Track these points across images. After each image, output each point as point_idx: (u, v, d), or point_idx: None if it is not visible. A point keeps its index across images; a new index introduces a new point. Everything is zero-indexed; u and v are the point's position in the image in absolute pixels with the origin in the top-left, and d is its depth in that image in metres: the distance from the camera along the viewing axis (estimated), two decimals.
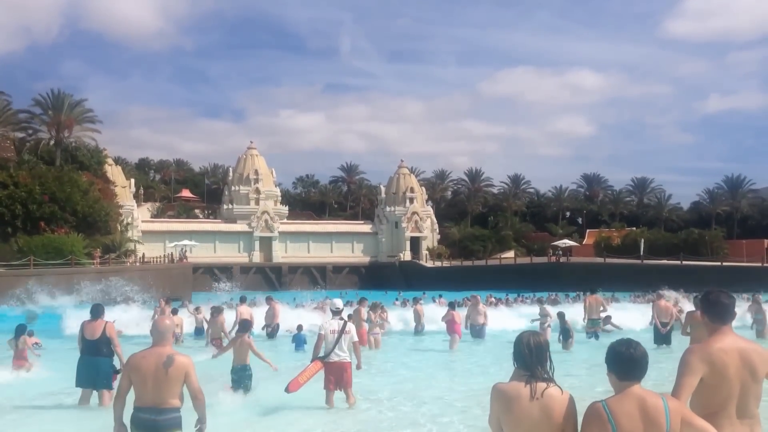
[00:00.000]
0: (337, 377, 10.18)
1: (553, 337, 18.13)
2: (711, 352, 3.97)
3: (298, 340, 18.59)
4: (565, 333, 18.45)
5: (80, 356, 11.06)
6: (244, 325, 12.17)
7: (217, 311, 17.60)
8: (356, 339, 10.50)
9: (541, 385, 3.77)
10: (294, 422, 9.69)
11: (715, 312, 4.14)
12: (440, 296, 34.70)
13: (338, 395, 10.45)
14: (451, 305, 20.25)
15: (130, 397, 5.95)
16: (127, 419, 5.91)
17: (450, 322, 19.46)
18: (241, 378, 11.27)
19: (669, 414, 3.50)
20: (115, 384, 10.60)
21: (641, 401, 3.53)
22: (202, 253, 69.71)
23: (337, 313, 10.56)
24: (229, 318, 18.33)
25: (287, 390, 10.14)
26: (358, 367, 10.61)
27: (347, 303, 20.88)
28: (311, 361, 10.39)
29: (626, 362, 3.62)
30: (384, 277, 71.08)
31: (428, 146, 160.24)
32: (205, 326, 19.95)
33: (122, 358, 10.58)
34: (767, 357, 4.06)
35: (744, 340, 4.13)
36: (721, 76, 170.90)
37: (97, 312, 11.18)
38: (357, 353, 10.55)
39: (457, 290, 40.80)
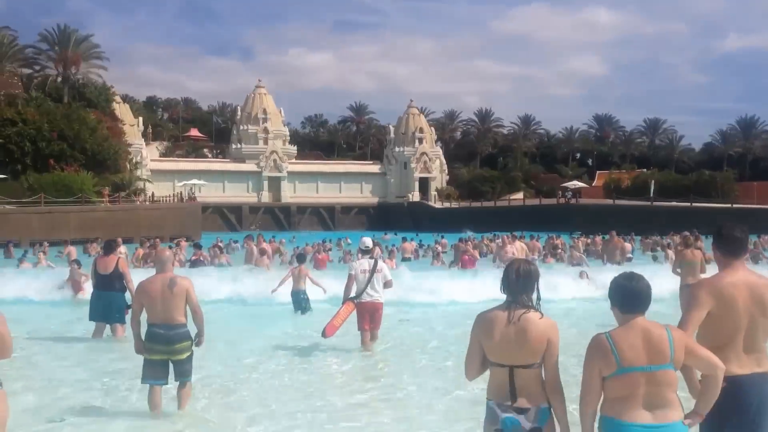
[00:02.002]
0: (370, 316, 10.03)
1: None
2: (720, 285, 3.94)
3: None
4: None
5: (93, 290, 11.26)
6: (301, 258, 14.63)
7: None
8: (389, 278, 10.26)
9: (521, 310, 3.80)
10: (328, 366, 9.62)
11: (727, 246, 4.07)
12: (442, 237, 34.10)
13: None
14: (461, 241, 19.39)
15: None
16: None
17: (464, 260, 18.35)
18: (299, 300, 13.47)
19: (673, 343, 3.51)
20: (128, 317, 10.82)
21: (645, 332, 3.53)
22: (210, 193, 69.72)
23: (366, 252, 10.40)
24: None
25: (324, 335, 9.98)
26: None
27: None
28: (342, 303, 10.18)
29: (629, 294, 3.61)
30: (392, 217, 71.23)
31: (438, 86, 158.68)
32: None
33: (134, 293, 10.72)
34: None
35: (756, 275, 4.07)
36: (740, 13, 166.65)
37: (110, 247, 11.32)
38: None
39: (466, 232, 40.41)
